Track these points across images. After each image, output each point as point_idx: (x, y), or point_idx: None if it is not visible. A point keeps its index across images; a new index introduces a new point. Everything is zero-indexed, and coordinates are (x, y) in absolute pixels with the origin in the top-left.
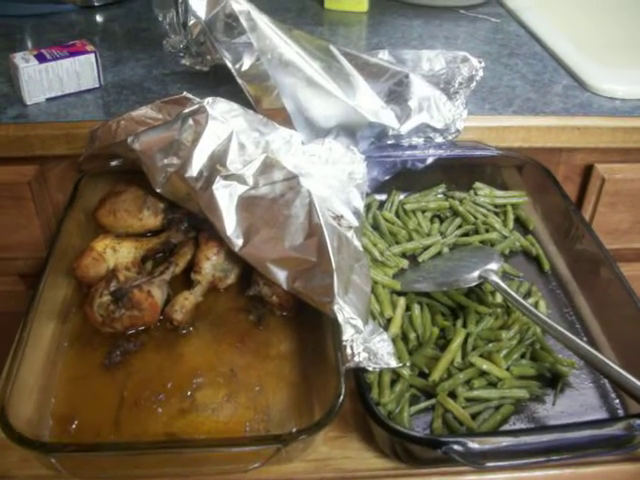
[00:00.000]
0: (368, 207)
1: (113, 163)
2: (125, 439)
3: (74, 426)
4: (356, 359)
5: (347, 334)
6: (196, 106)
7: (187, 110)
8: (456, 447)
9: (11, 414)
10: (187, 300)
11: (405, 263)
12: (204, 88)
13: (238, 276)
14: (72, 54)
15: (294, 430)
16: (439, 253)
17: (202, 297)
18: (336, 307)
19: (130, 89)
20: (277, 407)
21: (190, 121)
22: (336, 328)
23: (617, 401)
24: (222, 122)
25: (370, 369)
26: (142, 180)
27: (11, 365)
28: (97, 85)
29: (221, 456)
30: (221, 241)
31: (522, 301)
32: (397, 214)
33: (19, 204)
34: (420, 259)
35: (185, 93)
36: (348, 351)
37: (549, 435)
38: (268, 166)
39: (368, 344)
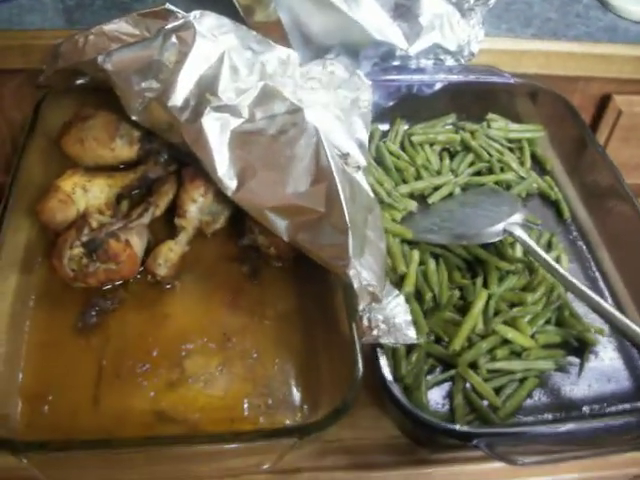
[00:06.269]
0: (370, 137)
1: (79, 81)
2: (107, 420)
3: (47, 407)
4: (374, 333)
5: (364, 303)
6: (181, 21)
7: (170, 25)
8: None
9: None
10: (172, 252)
11: (414, 205)
12: None
13: (227, 219)
14: None
15: (314, 419)
16: (450, 194)
17: (188, 246)
18: (352, 272)
19: None
20: (278, 378)
21: (173, 38)
22: (348, 293)
23: None
24: (211, 40)
25: (390, 345)
26: (114, 102)
27: None
28: None
29: (224, 452)
30: (208, 179)
31: (552, 262)
32: (402, 146)
33: None
34: (430, 201)
35: (167, 5)
36: (364, 323)
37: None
38: (267, 96)
39: (384, 311)
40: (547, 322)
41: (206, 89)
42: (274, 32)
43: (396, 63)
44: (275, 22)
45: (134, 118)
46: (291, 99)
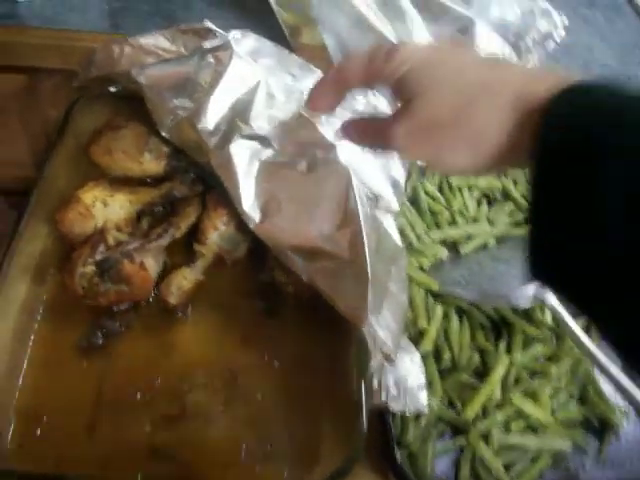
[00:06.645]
0: (407, 175)
1: (112, 89)
2: (100, 450)
3: (40, 429)
4: (383, 397)
5: (375, 361)
6: (219, 41)
7: (207, 45)
8: None
9: None
10: (186, 280)
11: (445, 253)
12: (232, 10)
13: (249, 249)
14: None
15: None
16: (484, 245)
17: (204, 275)
18: (367, 329)
19: None
20: (280, 426)
21: (210, 58)
22: (360, 348)
23: None
24: (249, 63)
25: (396, 412)
26: (145, 112)
27: None
28: None
29: None
30: (232, 207)
31: (583, 337)
32: (440, 188)
33: (2, 118)
34: (462, 251)
35: (207, 22)
36: (374, 384)
37: None
38: (301, 128)
39: (397, 370)
40: (569, 397)
41: (238, 114)
42: (319, 56)
43: None
44: (321, 45)
45: (164, 134)
46: (325, 134)
